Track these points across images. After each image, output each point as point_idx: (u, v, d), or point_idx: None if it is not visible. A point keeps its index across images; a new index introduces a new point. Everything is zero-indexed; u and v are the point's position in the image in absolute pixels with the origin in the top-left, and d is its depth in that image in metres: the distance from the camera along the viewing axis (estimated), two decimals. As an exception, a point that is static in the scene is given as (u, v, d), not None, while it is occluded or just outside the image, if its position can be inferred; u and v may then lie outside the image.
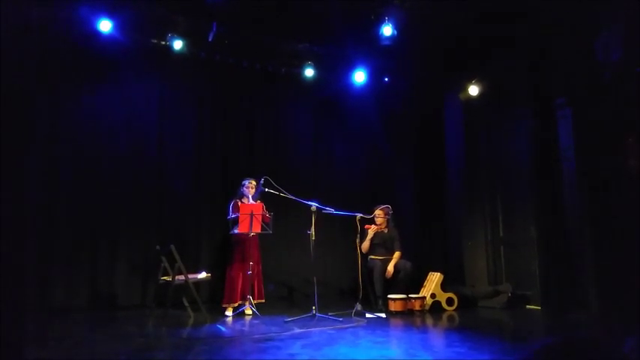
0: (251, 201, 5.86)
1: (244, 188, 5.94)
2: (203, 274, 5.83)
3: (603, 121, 5.33)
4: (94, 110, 6.26)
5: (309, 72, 7.13)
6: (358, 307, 5.75)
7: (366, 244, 6.33)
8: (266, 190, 5.71)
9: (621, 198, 5.13)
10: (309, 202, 5.67)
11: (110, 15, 5.86)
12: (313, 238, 5.57)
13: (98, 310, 5.88)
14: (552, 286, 5.94)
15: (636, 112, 4.92)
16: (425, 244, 7.22)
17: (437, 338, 4.90)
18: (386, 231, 6.45)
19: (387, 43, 6.18)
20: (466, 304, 6.35)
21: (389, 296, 6.00)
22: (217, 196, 6.62)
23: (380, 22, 6.12)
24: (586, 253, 5.51)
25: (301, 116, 7.73)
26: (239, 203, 5.84)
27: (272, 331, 4.79)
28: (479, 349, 4.05)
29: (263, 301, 5.89)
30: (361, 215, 6.04)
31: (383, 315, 5.77)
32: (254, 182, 5.96)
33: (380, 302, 6.06)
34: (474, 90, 7.03)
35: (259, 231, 5.65)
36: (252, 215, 5.55)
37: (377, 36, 6.17)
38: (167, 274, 5.55)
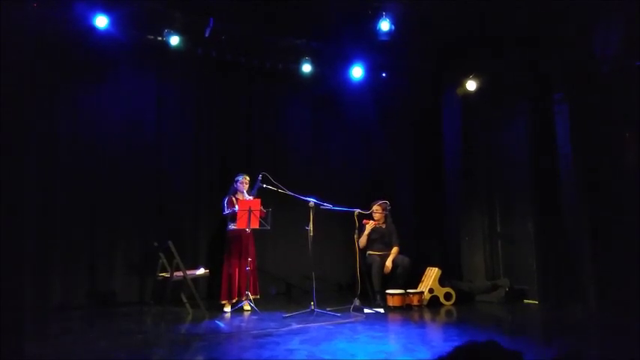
0: (246, 196, 5.84)
1: (238, 184, 5.91)
2: (201, 270, 5.83)
3: (601, 116, 5.35)
4: (91, 107, 6.22)
5: (306, 68, 7.11)
6: (356, 302, 5.76)
7: (363, 240, 6.33)
8: (264, 185, 5.71)
9: (619, 193, 5.16)
10: (307, 198, 5.67)
11: (106, 11, 5.83)
12: (311, 234, 5.58)
13: (97, 307, 5.88)
14: (550, 281, 5.96)
15: (634, 108, 4.94)
16: (423, 240, 7.23)
17: (435, 333, 4.93)
18: (384, 226, 6.45)
19: (384, 38, 6.16)
20: (464, 298, 6.37)
21: (387, 291, 6.02)
22: (215, 192, 6.60)
23: (377, 17, 6.09)
24: (584, 247, 5.53)
25: (299, 112, 7.70)
26: (233, 199, 5.83)
27: (270, 327, 4.81)
28: (477, 344, 4.07)
29: (258, 296, 5.89)
30: (359, 211, 6.04)
31: (381, 310, 5.79)
32: (247, 177, 5.95)
33: (378, 297, 6.08)
34: (471, 85, 7.02)
35: (257, 227, 5.65)
36: (250, 211, 5.54)
37: (374, 31, 6.15)
38: (165, 271, 5.56)
